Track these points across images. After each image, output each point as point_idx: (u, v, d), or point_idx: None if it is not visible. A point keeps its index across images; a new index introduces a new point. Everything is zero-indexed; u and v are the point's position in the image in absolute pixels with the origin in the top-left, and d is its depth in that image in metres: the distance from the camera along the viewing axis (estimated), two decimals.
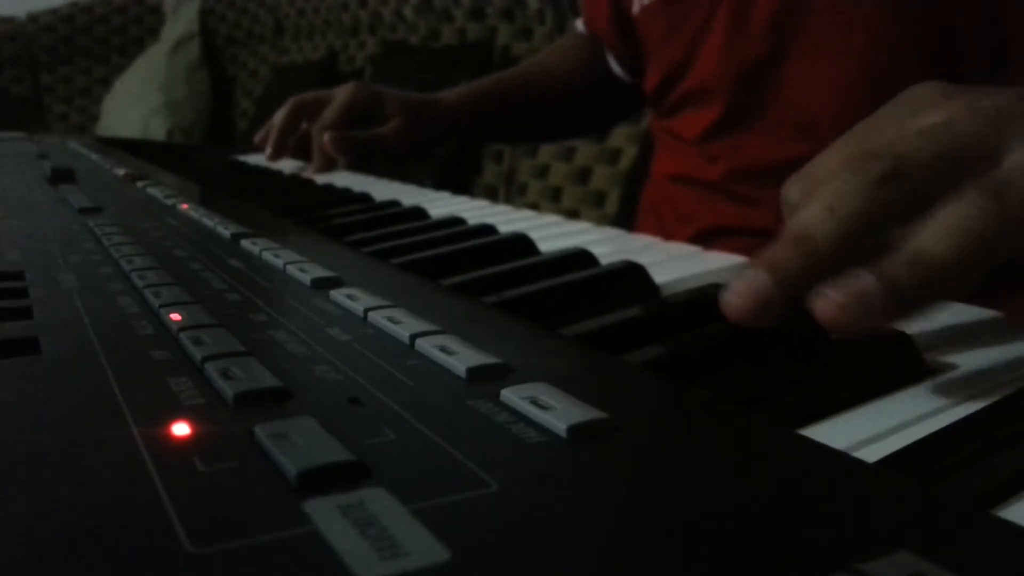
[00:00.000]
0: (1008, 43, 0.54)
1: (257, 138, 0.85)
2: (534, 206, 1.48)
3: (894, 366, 0.24)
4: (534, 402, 0.17)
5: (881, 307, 0.23)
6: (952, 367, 0.24)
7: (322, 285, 0.27)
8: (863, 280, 0.23)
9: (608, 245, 0.40)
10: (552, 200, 1.55)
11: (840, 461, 0.15)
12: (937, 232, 0.24)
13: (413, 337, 0.21)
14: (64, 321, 0.23)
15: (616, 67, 0.80)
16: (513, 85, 0.85)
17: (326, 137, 0.74)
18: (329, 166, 0.76)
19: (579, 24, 0.85)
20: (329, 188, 0.65)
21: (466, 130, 0.84)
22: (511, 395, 0.17)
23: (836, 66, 0.58)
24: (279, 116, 0.82)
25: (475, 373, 0.19)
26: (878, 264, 0.23)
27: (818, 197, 0.26)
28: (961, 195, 0.24)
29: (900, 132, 0.27)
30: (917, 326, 0.26)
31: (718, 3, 0.62)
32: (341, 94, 0.79)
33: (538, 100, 0.85)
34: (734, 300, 0.24)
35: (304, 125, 0.81)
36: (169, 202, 0.46)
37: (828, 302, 0.23)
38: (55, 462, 0.15)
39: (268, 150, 0.82)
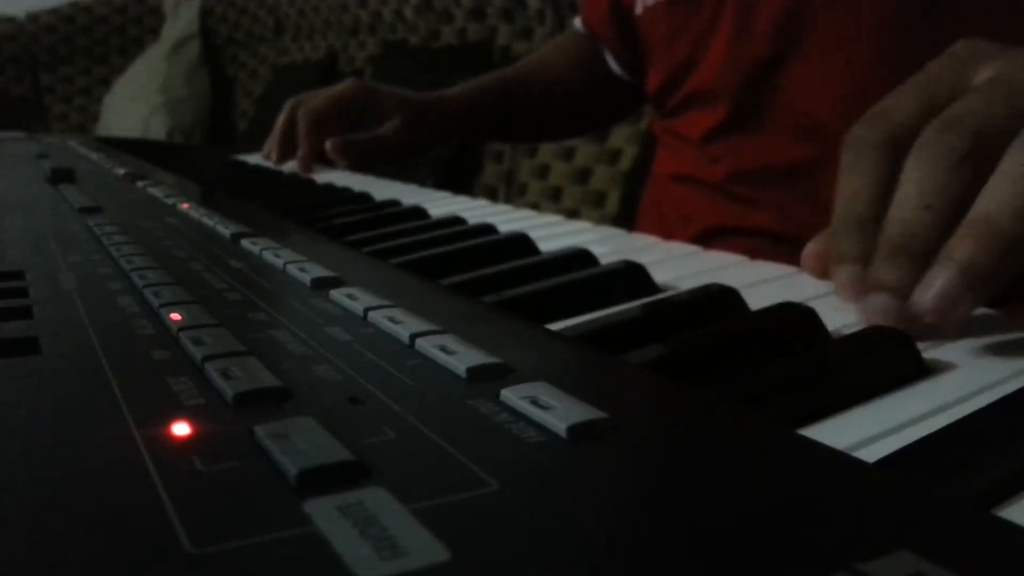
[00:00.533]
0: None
1: (264, 152, 0.85)
2: (534, 206, 1.48)
3: (894, 366, 0.24)
4: (534, 402, 0.17)
5: (969, 294, 0.24)
6: (952, 367, 0.24)
7: (322, 285, 0.27)
8: (945, 277, 0.24)
9: (608, 245, 0.40)
10: (552, 200, 1.56)
11: (840, 461, 0.15)
12: (996, 198, 0.25)
13: (413, 337, 0.21)
14: (64, 321, 0.23)
15: (614, 65, 0.80)
16: (513, 83, 0.85)
17: (328, 145, 0.75)
18: (314, 154, 0.76)
19: (577, 22, 0.85)
20: (329, 188, 0.65)
21: (467, 129, 0.84)
22: (511, 395, 0.17)
23: (840, 70, 0.58)
24: (279, 120, 0.82)
25: (475, 373, 0.19)
26: (953, 247, 0.25)
27: (908, 190, 0.27)
28: (1012, 151, 0.26)
29: (963, 86, 0.30)
30: (917, 325, 0.26)
31: (723, 5, 0.62)
32: (336, 88, 0.79)
33: (538, 97, 0.85)
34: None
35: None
36: (169, 202, 0.46)
37: (923, 310, 0.25)
38: (55, 462, 0.15)
39: (274, 155, 0.81)
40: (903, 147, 0.29)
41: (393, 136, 0.76)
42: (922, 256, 0.26)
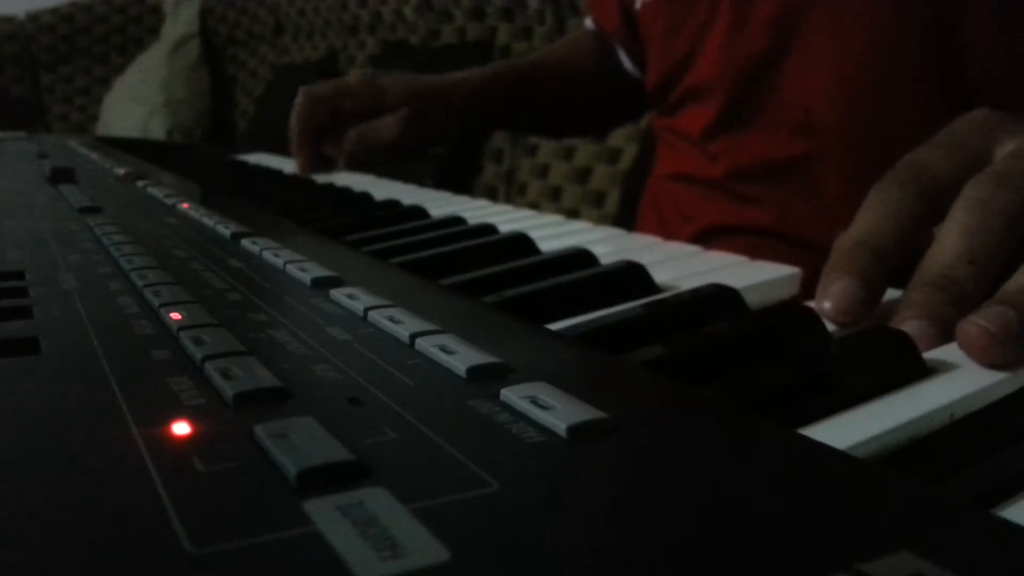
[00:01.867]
0: (1015, 41, 0.54)
1: (297, 161, 0.81)
2: (534, 206, 1.48)
3: (894, 366, 0.24)
4: (534, 402, 0.17)
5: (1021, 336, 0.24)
6: (952, 367, 0.24)
7: (322, 284, 0.27)
8: (1007, 313, 0.24)
9: (608, 245, 0.40)
10: (552, 200, 1.55)
11: (840, 461, 0.15)
12: None
13: (413, 336, 0.21)
14: (64, 321, 0.23)
15: (628, 63, 0.79)
16: (528, 71, 0.84)
17: (340, 163, 0.74)
18: (309, 153, 0.75)
19: (588, 22, 0.85)
20: (329, 188, 0.65)
21: (477, 116, 0.82)
22: (511, 395, 0.17)
23: (836, 64, 0.58)
24: (292, 120, 0.79)
25: (475, 372, 0.19)
26: (1009, 298, 0.25)
27: (954, 239, 0.27)
28: None
29: (987, 154, 0.30)
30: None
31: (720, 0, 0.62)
32: (341, 79, 0.77)
33: (553, 88, 0.84)
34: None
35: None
36: (169, 202, 0.46)
37: (983, 332, 0.24)
38: (55, 462, 0.15)
39: (300, 164, 0.77)
40: (932, 200, 0.29)
41: (395, 127, 0.74)
42: (956, 301, 0.26)
